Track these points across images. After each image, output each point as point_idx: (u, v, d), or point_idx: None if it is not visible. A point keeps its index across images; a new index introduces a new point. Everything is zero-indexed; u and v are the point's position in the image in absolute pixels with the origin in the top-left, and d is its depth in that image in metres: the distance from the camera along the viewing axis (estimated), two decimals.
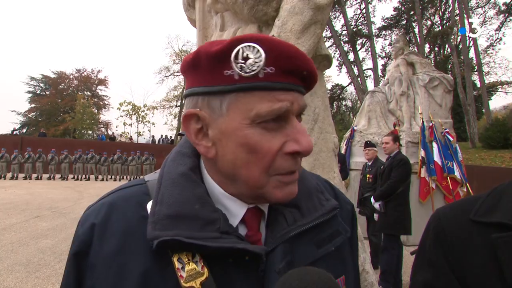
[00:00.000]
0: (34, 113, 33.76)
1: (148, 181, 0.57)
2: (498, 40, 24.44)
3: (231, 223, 0.52)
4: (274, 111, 0.46)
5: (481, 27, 23.41)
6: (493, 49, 24.97)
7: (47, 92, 34.63)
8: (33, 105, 33.62)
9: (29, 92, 34.05)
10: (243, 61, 0.45)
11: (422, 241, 0.69)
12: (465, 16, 20.21)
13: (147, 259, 0.48)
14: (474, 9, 23.80)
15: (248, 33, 0.50)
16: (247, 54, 0.45)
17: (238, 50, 0.46)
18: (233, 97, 0.47)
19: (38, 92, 34.60)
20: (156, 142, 25.38)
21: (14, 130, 26.31)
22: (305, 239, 0.55)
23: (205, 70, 0.48)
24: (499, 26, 24.07)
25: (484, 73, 22.70)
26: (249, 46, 0.46)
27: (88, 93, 36.17)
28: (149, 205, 0.51)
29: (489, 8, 24.03)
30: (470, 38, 19.93)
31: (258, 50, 0.45)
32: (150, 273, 0.48)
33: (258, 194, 0.51)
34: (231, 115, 0.48)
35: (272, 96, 0.47)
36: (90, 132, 33.33)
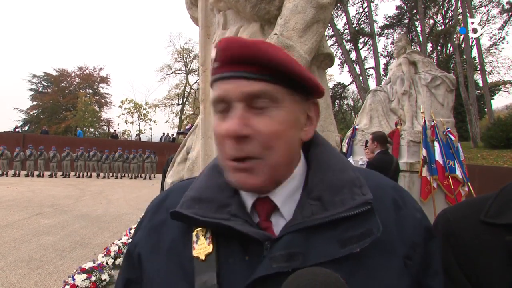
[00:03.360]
0: (36, 111, 33.83)
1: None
2: (501, 39, 24.35)
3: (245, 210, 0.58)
4: (213, 99, 0.55)
5: (484, 26, 23.31)
6: (496, 48, 24.87)
7: (49, 90, 34.66)
8: (35, 103, 33.69)
9: (31, 89, 34.12)
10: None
11: None
12: (468, 15, 20.11)
13: (177, 232, 0.60)
14: (477, 8, 23.66)
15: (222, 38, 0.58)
16: (214, 55, 0.56)
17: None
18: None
19: (40, 89, 34.64)
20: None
21: (16, 127, 26.34)
22: (326, 235, 0.52)
23: None
24: (502, 25, 23.95)
25: (486, 72, 22.62)
26: (215, 48, 0.55)
27: (90, 91, 36.21)
28: None
29: (493, 7, 23.91)
30: (473, 38, 19.82)
31: (215, 50, 0.55)
32: (176, 242, 0.59)
33: (227, 177, 0.57)
34: None
35: (217, 87, 0.55)
36: (92, 130, 33.41)
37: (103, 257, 4.00)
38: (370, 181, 0.58)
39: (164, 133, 26.36)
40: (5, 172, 15.86)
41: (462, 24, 21.26)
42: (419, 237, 0.57)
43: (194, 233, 0.57)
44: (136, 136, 29.79)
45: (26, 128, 32.64)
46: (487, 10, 24.04)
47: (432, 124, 5.71)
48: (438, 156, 5.51)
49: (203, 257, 0.54)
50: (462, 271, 0.59)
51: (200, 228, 0.57)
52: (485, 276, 0.57)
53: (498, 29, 24.21)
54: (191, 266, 0.55)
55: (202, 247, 0.55)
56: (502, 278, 0.55)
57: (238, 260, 0.53)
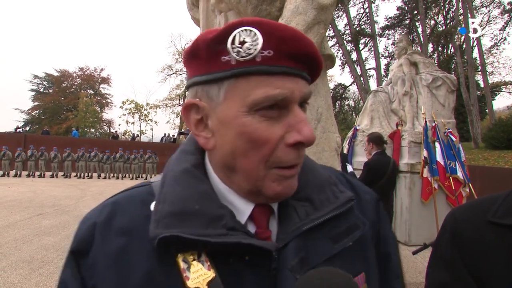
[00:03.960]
0: (37, 111, 33.93)
1: (153, 182, 0.55)
2: (502, 39, 24.33)
3: (239, 220, 0.49)
4: (270, 97, 0.44)
5: (485, 27, 23.32)
6: (497, 49, 24.86)
7: (50, 90, 34.75)
8: (36, 103, 33.78)
9: (32, 90, 34.21)
10: (240, 46, 0.44)
11: (437, 240, 0.68)
12: (469, 15, 20.10)
13: (151, 259, 0.46)
14: (478, 9, 23.66)
15: (246, 17, 0.47)
16: (244, 38, 0.44)
17: (235, 35, 0.44)
18: (231, 84, 0.45)
19: (41, 90, 34.72)
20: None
21: (17, 128, 26.44)
22: (319, 234, 0.50)
23: (203, 58, 0.47)
24: (503, 25, 23.96)
25: (487, 73, 22.62)
26: (245, 30, 0.44)
27: (91, 92, 36.29)
28: (153, 205, 0.49)
29: (494, 8, 23.91)
30: (474, 38, 19.81)
31: (255, 34, 0.43)
32: (154, 274, 0.45)
33: (256, 187, 0.48)
34: (228, 102, 0.46)
35: (270, 81, 0.44)
36: (93, 130, 33.48)
37: None
38: (319, 174, 0.58)
39: (165, 134, 26.40)
40: (6, 173, 15.90)
41: (463, 25, 21.26)
42: (376, 215, 0.60)
43: (179, 259, 0.45)
44: (136, 137, 29.80)
45: (27, 128, 32.73)
46: (488, 11, 24.08)
47: (433, 124, 5.70)
48: (439, 157, 5.50)
49: (204, 286, 0.44)
50: (467, 270, 0.59)
51: (189, 251, 0.46)
52: (490, 276, 0.57)
53: (499, 30, 24.24)
54: None
55: (199, 274, 0.44)
56: (506, 278, 0.55)
57: (247, 278, 0.46)
